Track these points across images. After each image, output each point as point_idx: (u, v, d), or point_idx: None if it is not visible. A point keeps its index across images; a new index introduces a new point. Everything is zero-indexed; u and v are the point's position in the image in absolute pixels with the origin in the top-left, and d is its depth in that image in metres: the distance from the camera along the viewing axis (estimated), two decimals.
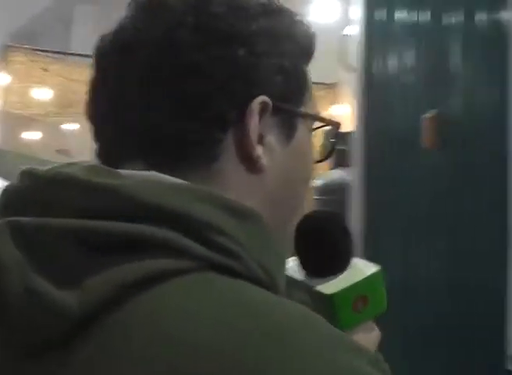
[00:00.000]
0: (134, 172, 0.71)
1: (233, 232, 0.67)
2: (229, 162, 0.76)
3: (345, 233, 1.00)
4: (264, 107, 0.77)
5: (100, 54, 0.81)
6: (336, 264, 0.98)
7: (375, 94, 3.46)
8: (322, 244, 0.97)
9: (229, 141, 0.76)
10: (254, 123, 0.76)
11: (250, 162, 0.77)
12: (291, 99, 0.81)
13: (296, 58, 0.82)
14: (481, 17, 2.71)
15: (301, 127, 0.83)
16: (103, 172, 0.70)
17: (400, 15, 3.21)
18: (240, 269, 0.67)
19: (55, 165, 0.74)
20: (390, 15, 3.26)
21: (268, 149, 0.79)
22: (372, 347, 0.97)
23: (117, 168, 0.72)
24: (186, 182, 0.71)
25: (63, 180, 0.69)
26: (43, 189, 0.70)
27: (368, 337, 0.98)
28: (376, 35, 3.36)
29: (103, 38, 0.80)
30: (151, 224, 0.64)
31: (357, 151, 3.53)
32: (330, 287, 0.96)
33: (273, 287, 0.70)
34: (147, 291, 0.63)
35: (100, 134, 0.81)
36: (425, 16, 3.04)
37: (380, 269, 1.00)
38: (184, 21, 0.75)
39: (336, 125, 0.88)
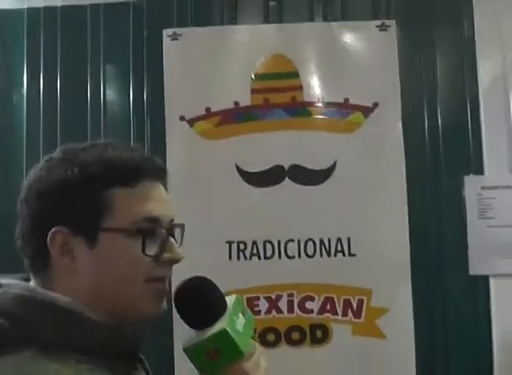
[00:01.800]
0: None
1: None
2: (56, 268, 1.17)
3: (209, 290, 1.21)
4: (61, 234, 1.16)
5: None
6: (205, 319, 1.17)
7: None
8: (191, 305, 1.19)
9: (48, 260, 1.17)
10: (55, 246, 1.16)
11: (68, 268, 1.17)
12: (88, 222, 1.16)
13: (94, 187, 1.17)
14: None
15: (104, 237, 1.16)
16: None
17: None
18: None
19: None
20: None
21: (77, 257, 1.16)
22: None
23: None
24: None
25: None
26: None
27: None
28: None
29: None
30: None
31: None
32: (187, 342, 1.17)
33: None
34: None
35: None
36: None
37: (224, 328, 1.14)
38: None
39: (138, 228, 1.16)
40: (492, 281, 2.81)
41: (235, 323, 1.18)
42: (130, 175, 1.17)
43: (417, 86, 2.86)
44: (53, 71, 2.93)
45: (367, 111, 2.83)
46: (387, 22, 2.86)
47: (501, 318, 2.81)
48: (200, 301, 1.19)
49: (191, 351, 1.15)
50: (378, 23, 2.86)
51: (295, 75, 2.85)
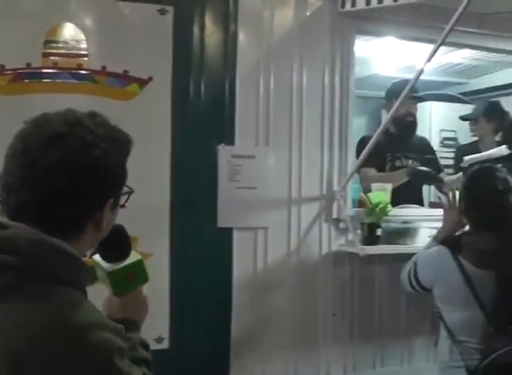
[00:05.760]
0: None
1: None
2: (88, 228, 1.41)
3: (121, 236, 1.60)
4: (110, 204, 1.44)
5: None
6: (119, 255, 1.61)
7: None
8: (109, 245, 1.57)
9: (91, 220, 1.41)
10: (106, 212, 1.43)
11: (98, 228, 1.43)
12: (119, 191, 1.48)
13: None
14: None
15: (121, 199, 1.50)
16: None
17: None
18: None
19: None
20: None
21: (104, 217, 1.43)
22: (140, 306, 1.65)
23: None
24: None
25: None
26: None
27: (138, 298, 1.65)
28: None
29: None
30: None
31: None
32: (111, 268, 1.60)
33: None
34: None
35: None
36: None
37: (141, 257, 1.63)
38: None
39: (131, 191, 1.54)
40: (235, 233, 3.45)
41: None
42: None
43: (187, 65, 3.35)
44: None
45: (142, 83, 3.26)
46: (166, 7, 3.30)
47: (240, 262, 3.48)
48: (122, 240, 1.60)
49: (116, 273, 1.59)
50: (159, 7, 3.29)
51: (82, 44, 3.18)
